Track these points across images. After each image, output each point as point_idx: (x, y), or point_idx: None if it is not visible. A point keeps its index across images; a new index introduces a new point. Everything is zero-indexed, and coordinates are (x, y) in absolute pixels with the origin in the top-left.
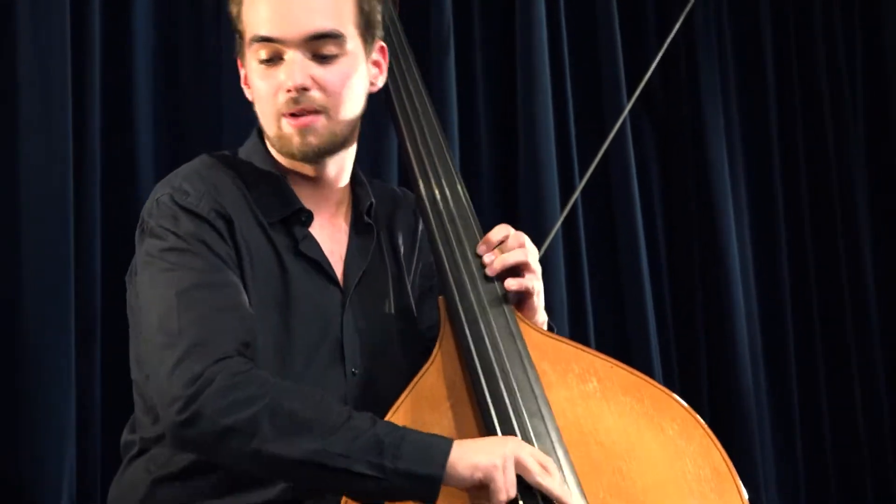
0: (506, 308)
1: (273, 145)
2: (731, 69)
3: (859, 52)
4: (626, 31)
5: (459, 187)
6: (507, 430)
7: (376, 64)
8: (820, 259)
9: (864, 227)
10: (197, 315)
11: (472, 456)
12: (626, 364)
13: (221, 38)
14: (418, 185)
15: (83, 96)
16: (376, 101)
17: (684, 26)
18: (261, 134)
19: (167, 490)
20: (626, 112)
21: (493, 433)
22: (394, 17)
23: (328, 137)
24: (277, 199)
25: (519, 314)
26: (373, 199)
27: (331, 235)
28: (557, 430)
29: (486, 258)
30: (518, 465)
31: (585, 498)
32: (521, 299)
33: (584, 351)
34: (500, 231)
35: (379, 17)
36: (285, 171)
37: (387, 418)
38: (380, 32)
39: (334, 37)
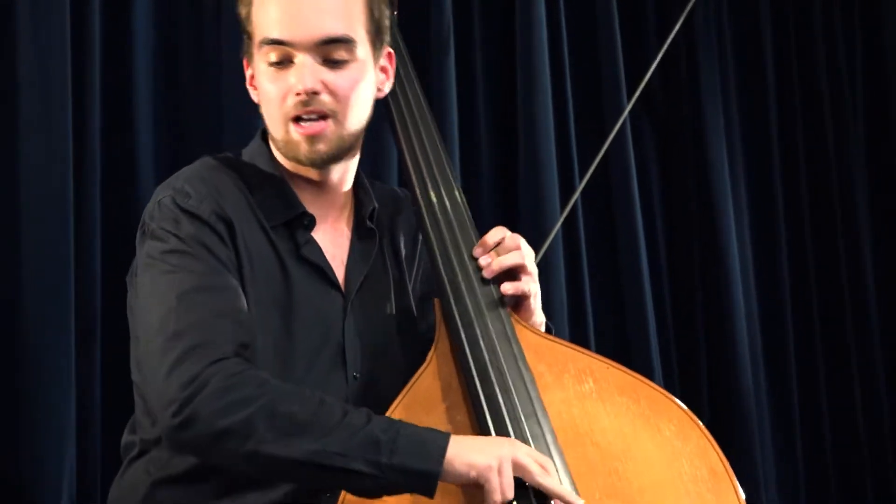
0: (501, 310)
1: (279, 149)
2: (731, 69)
3: (859, 52)
4: (626, 31)
5: (457, 192)
6: (502, 433)
7: (383, 70)
8: (820, 259)
9: (864, 227)
10: (196, 318)
11: (468, 454)
12: (627, 365)
13: (221, 38)
14: (415, 190)
15: (83, 96)
16: (375, 104)
17: (684, 26)
18: (264, 136)
19: (167, 492)
20: (626, 112)
21: (488, 435)
22: (393, 21)
23: (336, 143)
24: (280, 203)
25: (515, 316)
26: (375, 204)
27: (333, 240)
28: (552, 431)
29: (482, 261)
30: (517, 466)
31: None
32: (518, 302)
33: (580, 352)
34: (497, 234)
35: (387, 23)
36: (289, 175)
37: None
38: (388, 38)
39: (345, 42)
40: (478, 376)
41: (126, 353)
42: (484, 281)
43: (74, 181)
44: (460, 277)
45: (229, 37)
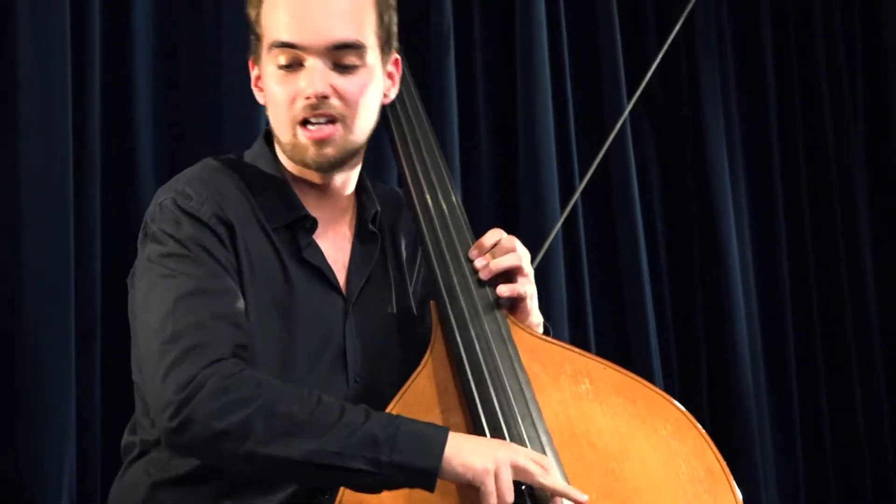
0: (497, 312)
1: (285, 152)
2: (731, 69)
3: (859, 52)
4: (626, 31)
5: (453, 195)
6: (497, 434)
7: (390, 76)
8: (820, 259)
9: (864, 227)
10: (193, 321)
11: (465, 454)
12: (627, 365)
13: (221, 38)
14: (411, 192)
15: (83, 96)
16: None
17: (684, 26)
18: (267, 138)
19: (167, 493)
20: (626, 112)
21: (483, 437)
22: None
23: (344, 148)
24: (282, 205)
25: (511, 318)
26: (378, 208)
27: (335, 243)
28: (548, 432)
29: (478, 263)
30: (517, 469)
31: None
32: (515, 303)
33: (576, 353)
34: (493, 236)
35: (396, 29)
36: (292, 178)
37: None
38: (396, 44)
39: (356, 47)
40: (473, 378)
41: (126, 353)
42: (480, 283)
43: (74, 181)
44: (456, 280)
45: (229, 37)
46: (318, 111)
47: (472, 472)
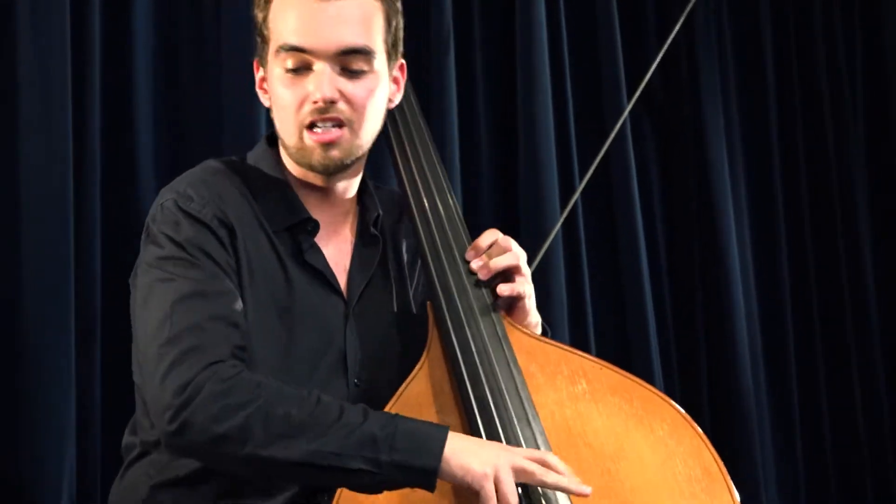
0: (493, 313)
1: (290, 155)
2: (731, 69)
3: (859, 52)
4: (626, 31)
5: (449, 197)
6: (493, 435)
7: (395, 81)
8: (820, 259)
9: (864, 227)
10: (191, 323)
11: (464, 456)
12: (627, 365)
13: (221, 38)
14: (407, 195)
15: (83, 96)
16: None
17: (684, 26)
18: (270, 140)
19: (167, 495)
20: (626, 112)
21: (479, 439)
22: None
23: (350, 151)
24: (284, 208)
25: (508, 318)
26: (380, 211)
27: (336, 246)
28: (544, 433)
29: (475, 264)
30: (518, 472)
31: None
32: (513, 303)
33: (572, 353)
34: (489, 237)
35: (402, 34)
36: (294, 180)
37: None
38: (402, 49)
39: (365, 53)
40: (468, 379)
41: (126, 353)
42: (476, 284)
43: (74, 181)
44: (452, 281)
45: (229, 37)
46: (326, 115)
47: (471, 476)
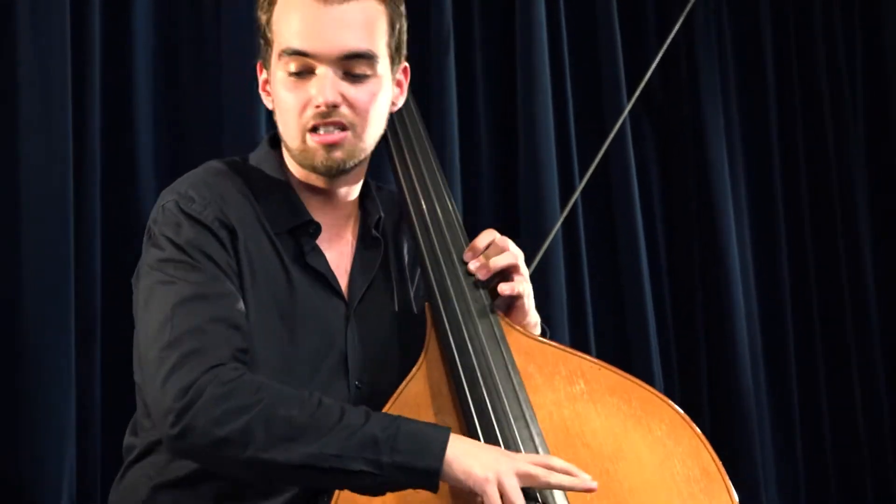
0: (491, 314)
1: (293, 157)
2: (731, 69)
3: (859, 52)
4: (626, 31)
5: (447, 198)
6: (490, 436)
7: (398, 84)
8: (820, 259)
9: (864, 227)
10: (191, 326)
11: (467, 460)
12: (626, 365)
13: (221, 38)
14: (406, 200)
15: (83, 96)
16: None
17: (684, 26)
18: (272, 142)
19: (167, 496)
20: (626, 112)
21: (477, 439)
22: None
23: (352, 153)
24: (286, 210)
25: (506, 319)
26: (382, 214)
27: (337, 248)
28: (541, 433)
29: (472, 265)
30: (522, 476)
31: (568, 500)
32: (512, 302)
33: (571, 353)
34: (486, 237)
35: (405, 38)
36: (296, 183)
37: None
38: (405, 53)
39: (368, 57)
40: (466, 380)
41: (126, 353)
42: (474, 285)
43: (74, 181)
44: (450, 282)
45: (229, 37)
46: (329, 119)
47: (473, 479)
